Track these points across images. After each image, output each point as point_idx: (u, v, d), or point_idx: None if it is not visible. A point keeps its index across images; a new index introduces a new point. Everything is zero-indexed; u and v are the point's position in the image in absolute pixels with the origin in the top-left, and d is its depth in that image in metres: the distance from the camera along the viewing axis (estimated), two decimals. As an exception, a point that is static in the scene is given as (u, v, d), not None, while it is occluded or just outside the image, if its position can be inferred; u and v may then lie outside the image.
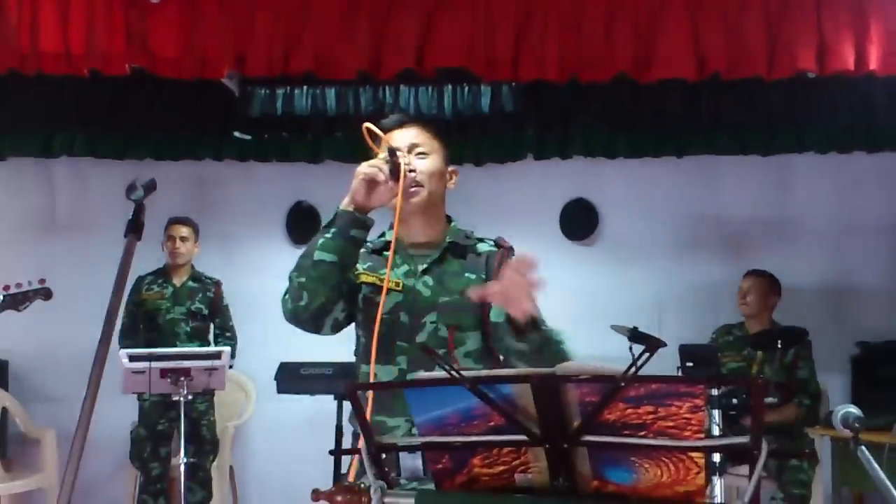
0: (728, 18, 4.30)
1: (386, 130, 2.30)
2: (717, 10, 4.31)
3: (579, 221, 5.96)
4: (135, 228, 2.07)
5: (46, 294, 4.67)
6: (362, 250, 2.25)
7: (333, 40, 4.30)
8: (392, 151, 2.19)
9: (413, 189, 2.22)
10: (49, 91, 5.29)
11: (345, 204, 2.18)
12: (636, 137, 5.72)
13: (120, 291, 2.04)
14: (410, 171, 2.21)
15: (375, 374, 2.17)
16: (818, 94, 5.30)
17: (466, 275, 2.27)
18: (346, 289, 2.21)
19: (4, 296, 4.58)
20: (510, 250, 2.32)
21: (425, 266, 2.28)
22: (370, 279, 2.26)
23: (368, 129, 2.26)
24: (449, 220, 2.38)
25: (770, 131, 5.64)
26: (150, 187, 2.11)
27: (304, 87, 5.60)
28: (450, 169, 2.35)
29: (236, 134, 5.73)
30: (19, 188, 5.93)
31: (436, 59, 4.31)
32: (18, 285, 4.57)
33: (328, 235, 2.17)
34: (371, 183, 2.15)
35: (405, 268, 2.27)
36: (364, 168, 2.15)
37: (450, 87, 5.60)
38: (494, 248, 2.34)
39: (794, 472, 4.56)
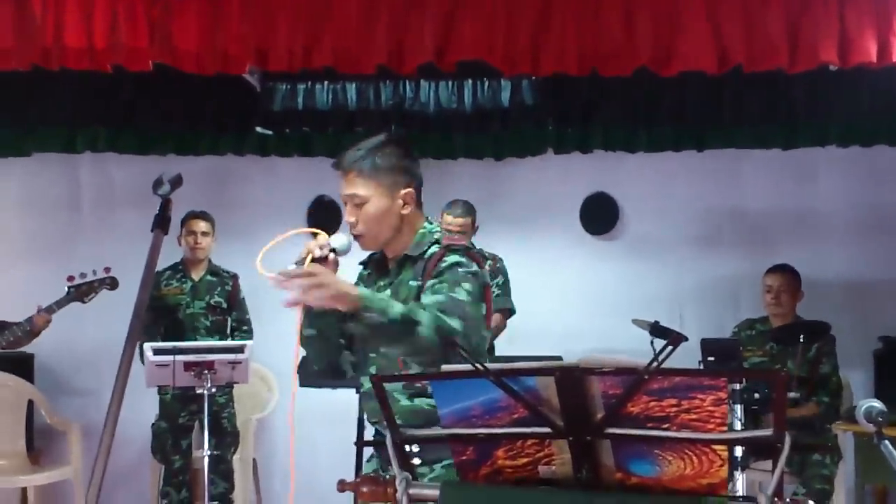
0: (749, 10, 4.26)
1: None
2: (738, 2, 4.29)
3: (600, 216, 5.95)
4: (162, 223, 2.11)
5: (112, 283, 4.43)
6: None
7: (354, 35, 4.30)
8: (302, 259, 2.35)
9: (358, 239, 2.40)
10: (72, 87, 5.33)
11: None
12: (657, 131, 5.70)
13: (147, 286, 2.07)
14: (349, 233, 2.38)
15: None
16: (840, 86, 5.26)
17: (411, 282, 2.41)
18: (343, 341, 2.44)
19: (69, 288, 4.35)
20: (446, 249, 2.40)
21: (385, 281, 2.47)
22: None
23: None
24: (426, 222, 2.48)
25: (791, 125, 5.61)
26: (177, 182, 2.14)
27: (325, 83, 5.62)
28: (402, 192, 2.40)
29: (258, 129, 5.76)
30: (43, 183, 5.98)
31: (456, 53, 4.30)
32: (83, 275, 4.36)
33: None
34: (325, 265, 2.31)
35: (380, 283, 2.48)
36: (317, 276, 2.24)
37: (470, 81, 5.61)
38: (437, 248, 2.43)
39: (816, 467, 4.54)
